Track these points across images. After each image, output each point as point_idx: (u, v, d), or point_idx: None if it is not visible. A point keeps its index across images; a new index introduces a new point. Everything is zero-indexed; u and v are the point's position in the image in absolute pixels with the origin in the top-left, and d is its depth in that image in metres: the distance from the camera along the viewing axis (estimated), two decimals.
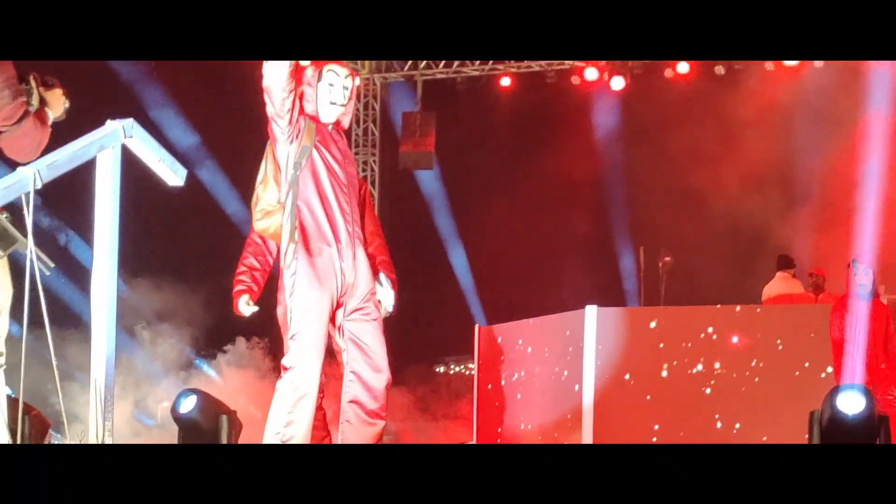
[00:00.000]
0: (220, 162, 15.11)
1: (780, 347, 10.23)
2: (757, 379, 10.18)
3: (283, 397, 5.88)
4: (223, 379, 13.61)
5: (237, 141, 14.12)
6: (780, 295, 12.60)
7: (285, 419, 5.86)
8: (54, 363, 4.50)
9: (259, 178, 6.24)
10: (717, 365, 10.29)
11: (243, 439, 7.95)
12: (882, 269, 12.32)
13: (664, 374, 10.42)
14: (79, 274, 9.35)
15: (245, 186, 6.57)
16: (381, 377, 6.09)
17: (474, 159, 17.43)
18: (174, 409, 7.99)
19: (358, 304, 6.08)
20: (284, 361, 5.92)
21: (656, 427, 10.33)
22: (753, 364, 10.24)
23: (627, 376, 10.43)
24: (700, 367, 10.32)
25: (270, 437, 5.86)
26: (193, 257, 15.15)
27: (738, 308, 10.66)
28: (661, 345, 10.50)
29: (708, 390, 10.29)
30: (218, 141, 15.09)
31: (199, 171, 14.65)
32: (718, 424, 10.22)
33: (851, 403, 6.86)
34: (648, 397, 10.42)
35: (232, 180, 14.94)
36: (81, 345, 5.47)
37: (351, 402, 6.05)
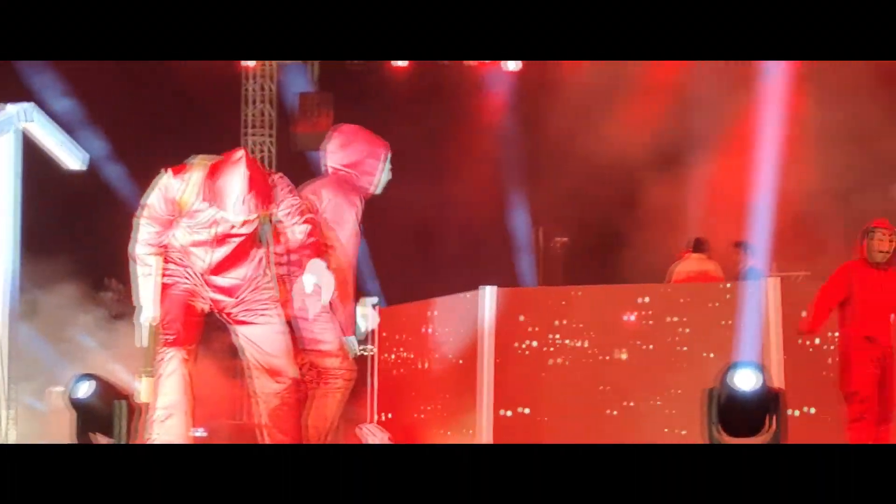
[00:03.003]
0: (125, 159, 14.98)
1: (681, 326, 10.36)
2: (658, 356, 10.31)
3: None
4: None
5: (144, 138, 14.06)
6: (698, 273, 12.71)
7: None
8: None
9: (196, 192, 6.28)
10: (616, 344, 10.40)
11: None
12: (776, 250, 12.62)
13: (560, 354, 10.50)
14: None
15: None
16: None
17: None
18: (71, 394, 7.90)
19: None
20: None
21: (555, 405, 10.42)
22: (652, 342, 10.37)
23: (527, 353, 10.51)
24: (599, 346, 10.42)
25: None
26: (90, 247, 14.96)
27: (633, 288, 10.76)
28: (558, 323, 10.57)
29: (607, 369, 10.40)
30: (124, 138, 14.96)
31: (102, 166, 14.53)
32: (626, 403, 10.33)
33: (746, 380, 6.98)
34: (544, 375, 10.51)
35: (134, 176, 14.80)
36: None
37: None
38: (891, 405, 8.89)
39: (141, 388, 6.24)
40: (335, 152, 7.23)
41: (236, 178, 6.10)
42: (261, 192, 6.16)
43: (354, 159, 7.18)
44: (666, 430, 10.11)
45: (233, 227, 6.24)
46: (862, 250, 8.99)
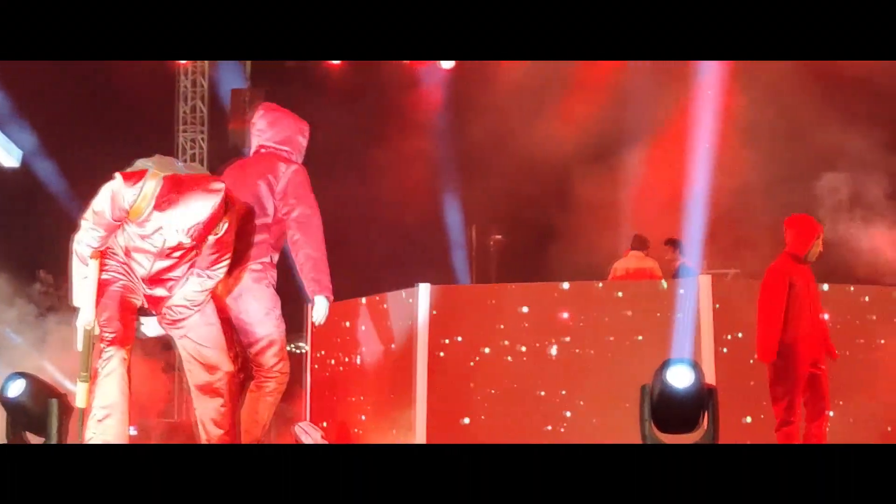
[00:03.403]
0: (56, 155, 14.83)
1: (614, 323, 10.41)
2: (592, 353, 10.36)
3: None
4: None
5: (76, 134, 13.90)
6: (636, 270, 12.79)
7: None
8: None
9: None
10: (549, 341, 10.44)
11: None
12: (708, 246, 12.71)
13: (495, 352, 10.53)
14: None
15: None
16: None
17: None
18: (1, 393, 7.79)
19: None
20: None
21: (489, 403, 10.45)
22: (586, 340, 10.41)
23: (461, 351, 10.52)
24: (533, 343, 10.45)
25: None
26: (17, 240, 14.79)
27: (566, 285, 10.79)
28: (492, 321, 10.59)
29: (541, 366, 10.43)
30: (56, 133, 14.81)
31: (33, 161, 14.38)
32: (559, 400, 10.38)
33: (681, 377, 7.01)
34: (478, 373, 10.52)
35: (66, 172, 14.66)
36: None
37: None
38: (824, 402, 8.95)
39: (78, 393, 6.16)
40: (265, 130, 7.21)
41: (203, 208, 6.03)
42: (212, 224, 6.12)
43: (285, 136, 7.18)
44: (595, 420, 10.17)
45: (181, 243, 6.17)
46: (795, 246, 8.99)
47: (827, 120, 13.47)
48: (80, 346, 6.18)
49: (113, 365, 6.15)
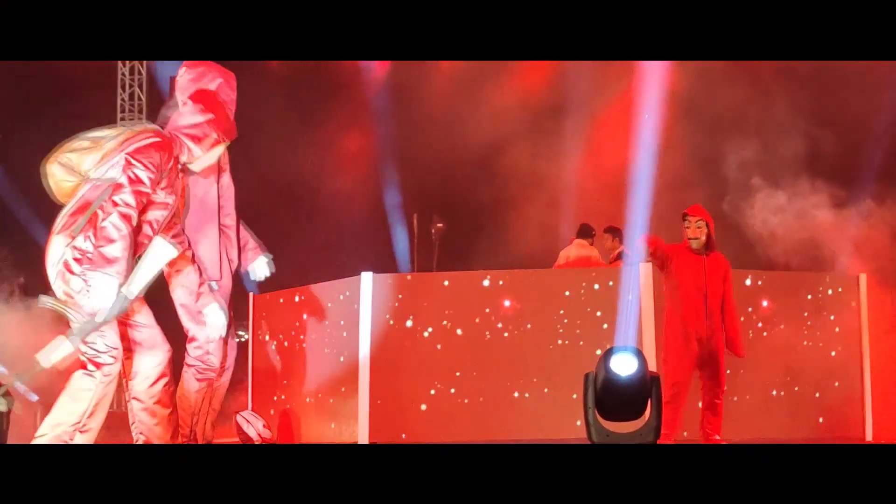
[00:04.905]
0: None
1: (556, 310, 10.45)
2: (533, 342, 10.39)
3: None
4: None
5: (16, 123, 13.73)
6: (577, 258, 12.88)
7: None
8: None
9: (87, 139, 6.18)
10: (492, 329, 10.46)
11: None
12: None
13: (438, 340, 10.53)
14: None
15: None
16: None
17: (245, 126, 17.18)
18: None
19: None
20: None
21: (432, 392, 10.45)
22: (528, 328, 10.44)
23: (404, 339, 10.52)
24: (475, 331, 10.47)
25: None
26: None
27: (508, 272, 10.82)
28: (434, 309, 10.59)
29: (483, 354, 10.45)
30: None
31: None
32: (504, 388, 10.40)
33: (624, 365, 7.03)
34: (422, 361, 10.53)
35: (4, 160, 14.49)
36: None
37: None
38: (719, 391, 9.07)
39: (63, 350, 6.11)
40: (188, 87, 7.13)
41: None
42: None
43: (213, 88, 7.15)
44: (536, 411, 10.23)
45: None
46: (684, 236, 9.20)
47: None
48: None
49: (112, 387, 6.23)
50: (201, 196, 7.49)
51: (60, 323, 8.04)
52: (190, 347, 7.51)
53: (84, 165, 6.22)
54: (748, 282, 10.52)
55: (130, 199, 6.09)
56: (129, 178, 6.09)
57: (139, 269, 6.11)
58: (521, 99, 15.92)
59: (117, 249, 6.08)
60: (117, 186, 6.11)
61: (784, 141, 13.25)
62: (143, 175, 6.13)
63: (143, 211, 6.20)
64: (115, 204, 6.07)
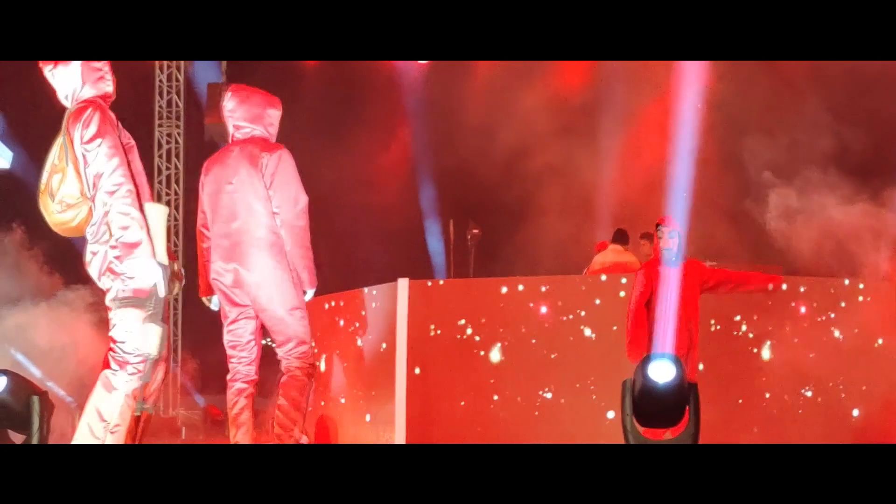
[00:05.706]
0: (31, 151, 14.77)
1: (591, 316, 10.43)
2: (571, 349, 10.37)
3: None
4: None
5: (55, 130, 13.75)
6: (613, 264, 12.86)
7: None
8: None
9: (49, 169, 6.27)
10: (528, 333, 10.46)
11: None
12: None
13: (475, 346, 10.54)
14: None
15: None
16: None
17: (282, 132, 17.26)
18: None
19: None
20: None
21: (462, 403, 10.46)
22: (565, 334, 10.43)
23: (442, 346, 10.53)
24: (514, 337, 10.46)
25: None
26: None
27: (545, 279, 10.81)
28: (472, 315, 10.59)
29: (521, 360, 10.45)
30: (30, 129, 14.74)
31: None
32: (548, 394, 10.39)
33: (662, 372, 7.05)
34: (460, 367, 10.54)
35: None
36: None
37: None
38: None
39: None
40: (235, 110, 7.31)
41: None
42: None
43: (256, 112, 7.28)
44: (581, 416, 10.22)
45: None
46: (654, 248, 9.08)
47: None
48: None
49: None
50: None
51: (94, 324, 8.21)
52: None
53: (70, 190, 6.33)
54: (784, 287, 10.46)
55: (117, 178, 6.19)
56: (101, 162, 6.21)
57: (154, 239, 6.26)
58: (554, 101, 15.91)
59: (135, 233, 6.20)
60: (98, 177, 6.21)
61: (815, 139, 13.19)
62: (106, 148, 6.23)
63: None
64: (110, 192, 6.19)
